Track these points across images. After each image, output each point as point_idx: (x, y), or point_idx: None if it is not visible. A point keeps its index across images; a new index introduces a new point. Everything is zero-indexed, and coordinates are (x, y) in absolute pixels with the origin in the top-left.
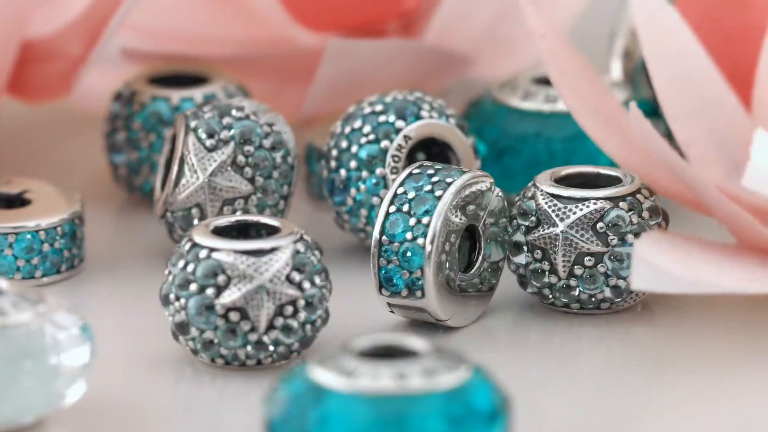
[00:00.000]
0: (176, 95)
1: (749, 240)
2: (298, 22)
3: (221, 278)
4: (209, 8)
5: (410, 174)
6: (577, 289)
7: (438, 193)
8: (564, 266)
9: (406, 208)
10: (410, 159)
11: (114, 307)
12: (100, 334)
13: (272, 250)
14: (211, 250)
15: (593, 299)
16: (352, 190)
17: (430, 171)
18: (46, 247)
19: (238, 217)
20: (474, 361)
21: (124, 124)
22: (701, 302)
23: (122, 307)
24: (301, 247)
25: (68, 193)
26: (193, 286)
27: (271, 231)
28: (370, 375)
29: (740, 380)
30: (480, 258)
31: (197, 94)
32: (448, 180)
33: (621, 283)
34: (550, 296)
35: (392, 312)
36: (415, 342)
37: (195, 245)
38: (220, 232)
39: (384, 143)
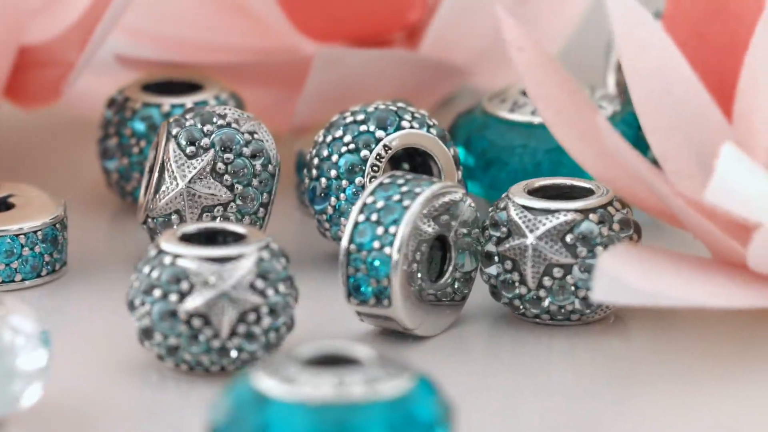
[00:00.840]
0: (167, 102)
1: (722, 254)
2: (303, 33)
3: (184, 284)
4: (212, 16)
5: (381, 184)
6: (547, 300)
7: (406, 203)
8: (533, 277)
9: (374, 217)
10: (394, 168)
11: (88, 311)
12: (70, 338)
13: (236, 257)
14: (176, 256)
15: (563, 310)
16: (332, 199)
17: (401, 181)
18: (26, 251)
19: (206, 224)
20: (419, 370)
21: (116, 131)
22: (675, 314)
23: (96, 312)
24: (266, 254)
25: (54, 198)
26: (157, 292)
27: (239, 239)
28: (312, 383)
29: (714, 392)
30: (450, 268)
31: (188, 101)
32: (417, 190)
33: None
34: (521, 307)
35: (362, 320)
36: (360, 350)
37: (161, 251)
38: (189, 238)
39: (364, 153)
